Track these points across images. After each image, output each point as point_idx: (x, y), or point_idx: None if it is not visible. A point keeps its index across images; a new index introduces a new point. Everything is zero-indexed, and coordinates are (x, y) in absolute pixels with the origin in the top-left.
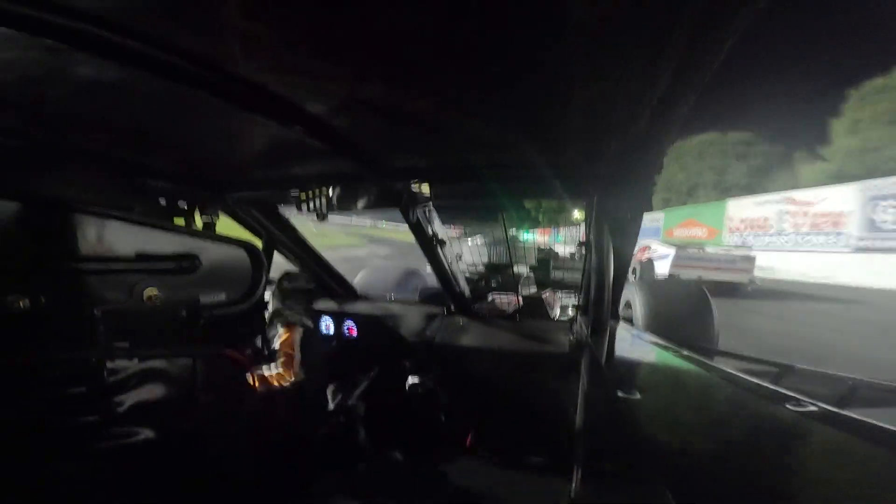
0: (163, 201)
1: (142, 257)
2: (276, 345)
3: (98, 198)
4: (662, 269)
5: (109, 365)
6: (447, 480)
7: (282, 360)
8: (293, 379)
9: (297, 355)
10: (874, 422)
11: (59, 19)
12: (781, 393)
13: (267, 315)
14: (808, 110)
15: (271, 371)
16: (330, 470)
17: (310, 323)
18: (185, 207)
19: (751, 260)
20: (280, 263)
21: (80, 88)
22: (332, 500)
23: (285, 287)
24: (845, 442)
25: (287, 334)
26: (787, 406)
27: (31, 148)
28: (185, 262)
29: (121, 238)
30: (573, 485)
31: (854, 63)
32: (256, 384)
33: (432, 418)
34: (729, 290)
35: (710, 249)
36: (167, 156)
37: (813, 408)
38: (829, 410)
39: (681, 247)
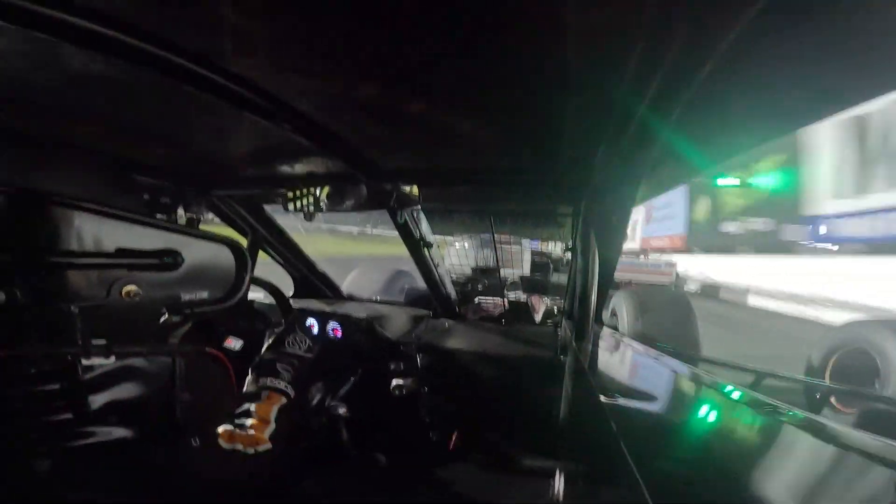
0: (146, 196)
1: (122, 252)
2: (254, 407)
3: (79, 191)
4: None
5: (86, 362)
6: (431, 482)
7: (256, 424)
8: (261, 446)
9: (272, 425)
10: (847, 428)
11: (48, 11)
12: (759, 398)
13: (256, 360)
14: None
15: (243, 431)
16: (313, 471)
17: (292, 394)
18: (169, 203)
19: (672, 265)
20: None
21: (67, 80)
22: (315, 501)
23: (286, 348)
24: (820, 447)
25: (268, 400)
26: (765, 411)
27: (12, 139)
28: (167, 259)
29: (101, 232)
30: (556, 487)
31: None
32: (224, 439)
33: (416, 420)
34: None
35: (640, 258)
36: (153, 150)
37: (789, 413)
38: (805, 416)
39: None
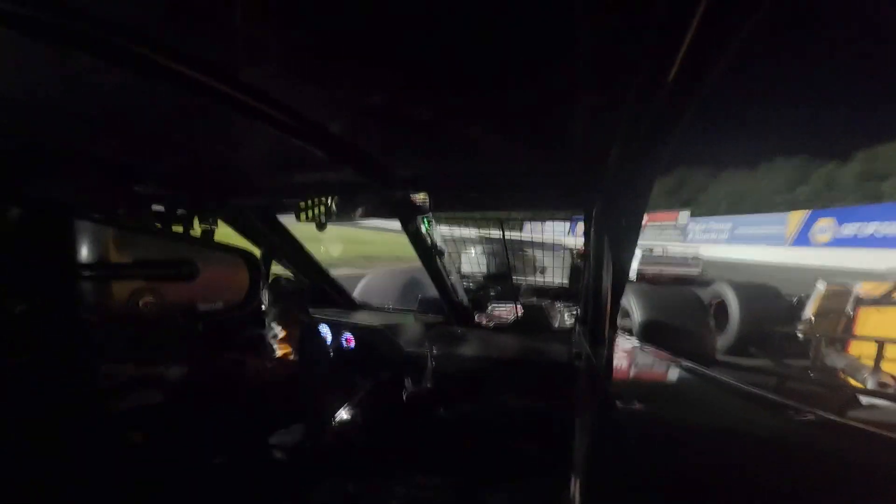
0: (161, 208)
1: (139, 263)
2: (275, 343)
3: (97, 203)
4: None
5: (104, 371)
6: (444, 491)
7: (279, 354)
8: (288, 371)
9: (296, 351)
10: (873, 429)
11: (61, 21)
12: (780, 401)
13: (265, 320)
14: None
15: (268, 363)
16: (326, 479)
17: (307, 319)
18: (184, 214)
19: (699, 258)
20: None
21: (82, 92)
22: None
23: (281, 287)
24: (845, 450)
25: (285, 332)
26: (787, 414)
27: (30, 151)
28: (183, 270)
29: (118, 244)
30: (572, 495)
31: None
32: (253, 374)
33: (429, 428)
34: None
35: (668, 250)
36: (167, 162)
37: (812, 416)
38: (829, 418)
39: (646, 249)
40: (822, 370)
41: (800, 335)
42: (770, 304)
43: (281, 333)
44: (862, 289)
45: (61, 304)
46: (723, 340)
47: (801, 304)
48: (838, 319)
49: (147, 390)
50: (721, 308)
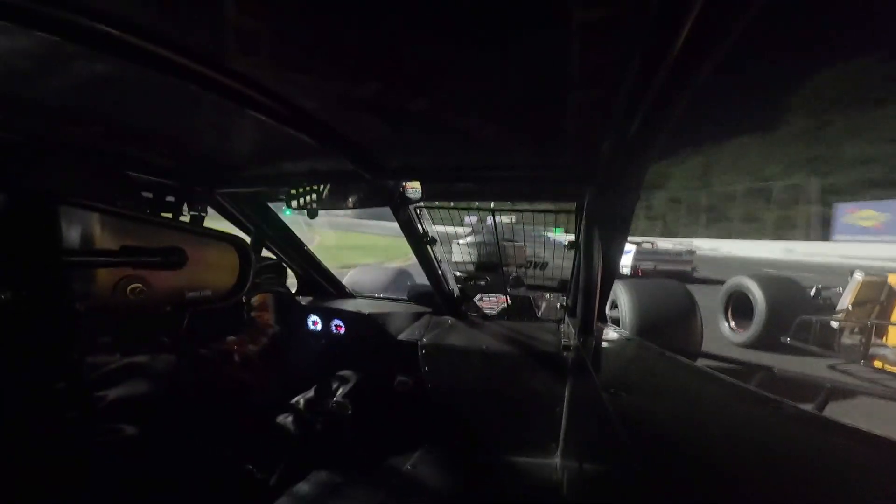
0: (150, 195)
1: (127, 251)
2: (252, 312)
3: (84, 191)
4: (626, 261)
5: (92, 360)
6: (433, 479)
7: (255, 320)
8: (265, 341)
9: (272, 316)
10: (850, 423)
11: (50, 10)
12: (762, 395)
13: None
14: None
15: (245, 336)
16: (316, 468)
17: (283, 289)
18: (174, 201)
19: (692, 252)
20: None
21: (70, 80)
22: (318, 499)
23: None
24: (823, 443)
25: (260, 299)
26: (768, 408)
27: (18, 140)
28: (172, 257)
29: (106, 232)
30: (559, 482)
31: None
32: (232, 350)
33: (419, 416)
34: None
35: (660, 245)
36: (157, 149)
37: (792, 410)
38: (808, 412)
39: (639, 244)
40: (869, 358)
41: (834, 325)
42: (792, 294)
43: (256, 300)
44: (891, 279)
45: (48, 293)
46: (750, 330)
47: (818, 295)
48: (873, 308)
49: (133, 380)
50: (743, 299)
